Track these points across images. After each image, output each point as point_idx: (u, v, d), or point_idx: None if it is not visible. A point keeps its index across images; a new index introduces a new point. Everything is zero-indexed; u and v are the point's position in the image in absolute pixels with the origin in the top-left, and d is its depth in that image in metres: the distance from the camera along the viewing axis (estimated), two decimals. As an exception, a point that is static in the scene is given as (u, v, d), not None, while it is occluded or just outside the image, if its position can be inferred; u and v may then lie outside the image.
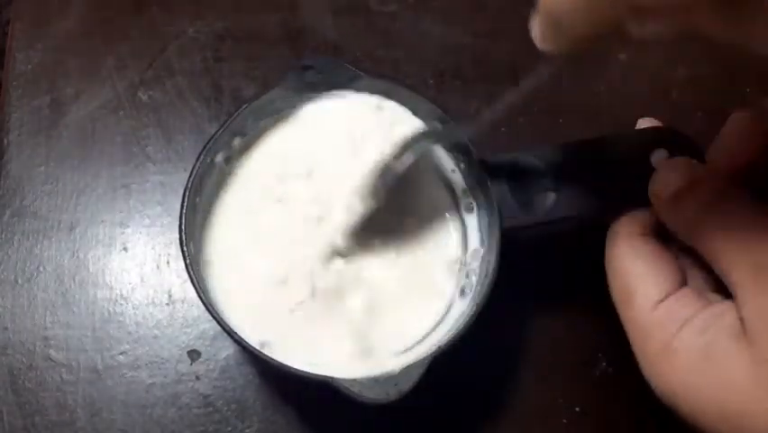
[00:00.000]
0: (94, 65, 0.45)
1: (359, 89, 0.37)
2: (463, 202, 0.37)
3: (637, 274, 0.32)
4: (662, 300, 0.31)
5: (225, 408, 0.38)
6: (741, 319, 0.28)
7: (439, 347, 0.32)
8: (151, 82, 0.45)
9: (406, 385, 0.30)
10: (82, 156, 0.43)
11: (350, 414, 0.31)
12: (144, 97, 0.45)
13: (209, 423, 0.37)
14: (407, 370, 0.31)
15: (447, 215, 0.37)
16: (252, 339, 0.33)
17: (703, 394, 0.28)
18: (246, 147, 0.37)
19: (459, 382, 0.37)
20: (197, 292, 0.32)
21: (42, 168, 0.43)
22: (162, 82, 0.45)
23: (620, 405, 0.38)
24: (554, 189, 0.35)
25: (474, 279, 0.35)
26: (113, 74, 0.45)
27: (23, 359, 0.38)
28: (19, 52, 0.46)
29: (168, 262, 0.41)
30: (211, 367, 0.38)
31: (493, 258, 0.33)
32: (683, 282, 0.32)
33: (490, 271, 0.33)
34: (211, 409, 0.38)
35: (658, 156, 0.35)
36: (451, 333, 0.33)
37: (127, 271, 0.40)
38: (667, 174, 0.32)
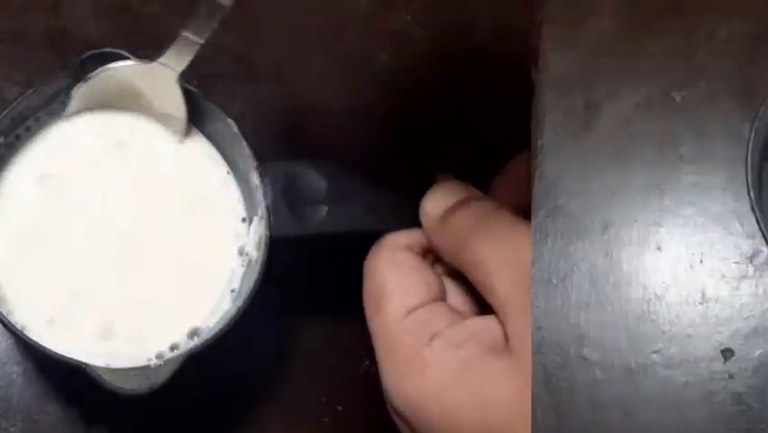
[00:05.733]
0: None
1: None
2: (238, 209, 0.35)
3: (393, 282, 0.30)
4: (414, 309, 0.30)
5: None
6: (506, 335, 0.27)
7: (195, 345, 0.31)
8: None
9: (159, 378, 0.30)
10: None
11: (113, 408, 0.35)
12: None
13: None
14: (161, 365, 0.30)
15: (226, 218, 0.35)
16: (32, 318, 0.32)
17: (461, 409, 0.27)
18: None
19: (223, 380, 0.38)
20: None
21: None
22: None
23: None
24: (328, 203, 0.34)
25: (241, 282, 0.34)
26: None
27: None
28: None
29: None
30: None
31: (260, 265, 0.32)
32: (441, 298, 0.31)
33: (256, 277, 0.32)
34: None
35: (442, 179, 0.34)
36: (212, 332, 0.32)
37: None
38: (439, 193, 0.32)
